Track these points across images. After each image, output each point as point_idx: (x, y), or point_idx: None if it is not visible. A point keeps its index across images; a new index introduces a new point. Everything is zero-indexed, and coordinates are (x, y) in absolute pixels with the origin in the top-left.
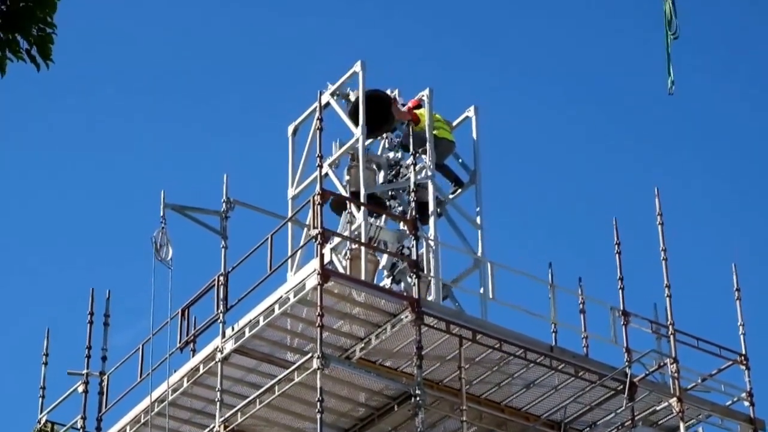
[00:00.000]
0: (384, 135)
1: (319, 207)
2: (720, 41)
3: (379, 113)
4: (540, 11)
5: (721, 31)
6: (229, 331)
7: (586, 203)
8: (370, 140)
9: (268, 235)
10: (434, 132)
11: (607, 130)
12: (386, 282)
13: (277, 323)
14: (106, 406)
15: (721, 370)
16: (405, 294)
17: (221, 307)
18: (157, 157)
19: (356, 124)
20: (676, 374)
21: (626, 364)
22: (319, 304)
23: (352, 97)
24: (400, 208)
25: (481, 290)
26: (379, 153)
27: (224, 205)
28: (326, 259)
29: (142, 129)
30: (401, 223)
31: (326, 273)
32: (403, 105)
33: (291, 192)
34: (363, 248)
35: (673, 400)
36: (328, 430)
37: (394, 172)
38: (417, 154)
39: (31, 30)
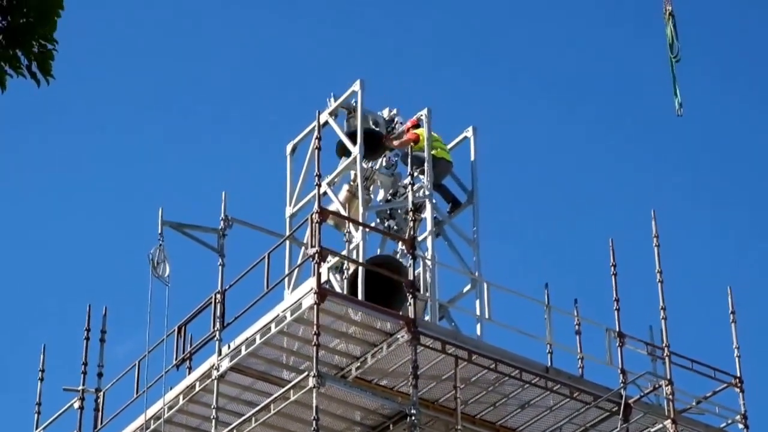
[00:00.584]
0: (383, 153)
1: (317, 225)
2: (721, 63)
3: (373, 144)
4: (540, 31)
5: (724, 53)
6: (225, 349)
7: (583, 225)
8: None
9: (265, 254)
10: (432, 152)
11: (605, 153)
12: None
13: (273, 341)
14: (101, 423)
15: (716, 392)
16: (401, 314)
17: (218, 324)
18: (156, 175)
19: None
20: (670, 396)
21: (621, 385)
22: (315, 323)
23: (347, 126)
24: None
25: (478, 310)
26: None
27: (222, 222)
28: (323, 278)
29: (142, 146)
30: (399, 243)
31: (323, 292)
32: (402, 123)
33: (289, 210)
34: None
35: (668, 422)
36: None
37: (392, 191)
38: (415, 175)
39: (32, 46)
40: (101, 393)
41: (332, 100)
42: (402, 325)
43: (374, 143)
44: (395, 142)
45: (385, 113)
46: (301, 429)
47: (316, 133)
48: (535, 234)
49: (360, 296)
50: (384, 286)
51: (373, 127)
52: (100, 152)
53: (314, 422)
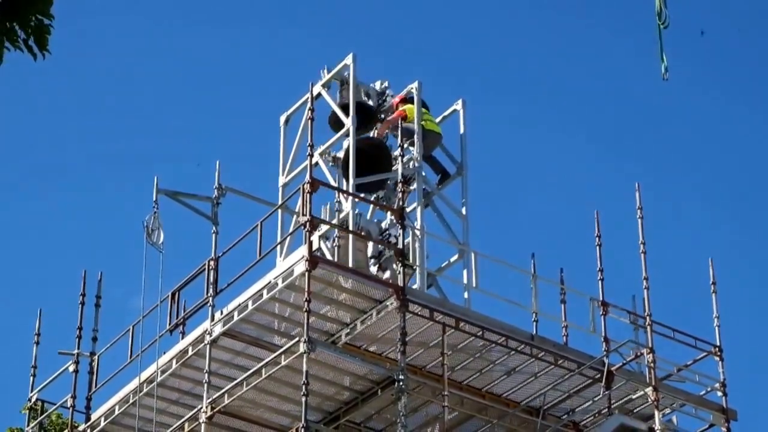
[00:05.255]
0: (374, 126)
1: (308, 195)
2: (705, 39)
3: (365, 116)
4: (526, 6)
5: (708, 29)
6: (218, 315)
7: (569, 196)
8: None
9: (258, 222)
10: (422, 124)
11: (591, 125)
12: (373, 269)
13: (265, 308)
14: (95, 386)
15: (696, 360)
16: (390, 281)
17: (211, 290)
18: (152, 144)
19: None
20: (652, 364)
21: (604, 353)
22: (306, 289)
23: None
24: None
25: (465, 279)
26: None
27: (216, 191)
28: (314, 246)
29: (137, 116)
30: (387, 212)
31: (314, 259)
32: (392, 96)
33: (282, 180)
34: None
35: (649, 389)
36: (313, 412)
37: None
38: (405, 146)
39: (29, 20)
40: (96, 357)
41: (325, 71)
42: (391, 293)
43: (366, 116)
44: (383, 129)
45: (377, 86)
46: (291, 393)
47: (309, 105)
48: (522, 205)
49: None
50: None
51: (366, 99)
52: (96, 122)
53: (304, 387)
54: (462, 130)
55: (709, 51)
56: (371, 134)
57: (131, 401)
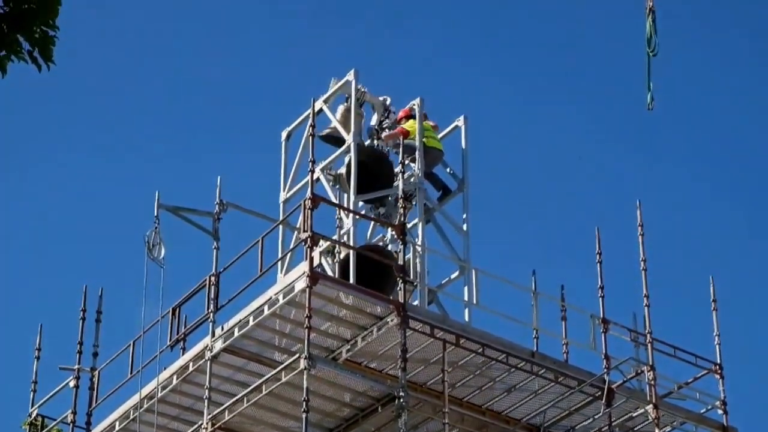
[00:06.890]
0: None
1: (309, 211)
2: (703, 54)
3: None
4: (526, 24)
5: (705, 43)
6: (218, 331)
7: (570, 213)
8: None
9: (259, 237)
10: (423, 140)
11: (591, 142)
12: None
13: (266, 324)
14: (96, 402)
15: (697, 378)
16: (391, 298)
17: (212, 306)
18: (153, 159)
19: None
20: (652, 382)
21: (605, 370)
22: (307, 305)
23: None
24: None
25: (466, 296)
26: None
27: (217, 206)
28: (315, 262)
29: (139, 131)
30: (389, 229)
31: (315, 276)
32: (395, 112)
33: (283, 196)
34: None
35: (649, 407)
36: (314, 429)
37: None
38: (406, 163)
39: (34, 32)
40: (96, 372)
41: (333, 81)
42: (392, 309)
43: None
44: (384, 135)
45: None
46: (291, 410)
47: (310, 121)
48: (523, 222)
49: (351, 280)
50: (373, 273)
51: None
52: (99, 137)
53: (305, 403)
54: (463, 146)
55: (710, 64)
56: (374, 143)
57: (132, 417)
